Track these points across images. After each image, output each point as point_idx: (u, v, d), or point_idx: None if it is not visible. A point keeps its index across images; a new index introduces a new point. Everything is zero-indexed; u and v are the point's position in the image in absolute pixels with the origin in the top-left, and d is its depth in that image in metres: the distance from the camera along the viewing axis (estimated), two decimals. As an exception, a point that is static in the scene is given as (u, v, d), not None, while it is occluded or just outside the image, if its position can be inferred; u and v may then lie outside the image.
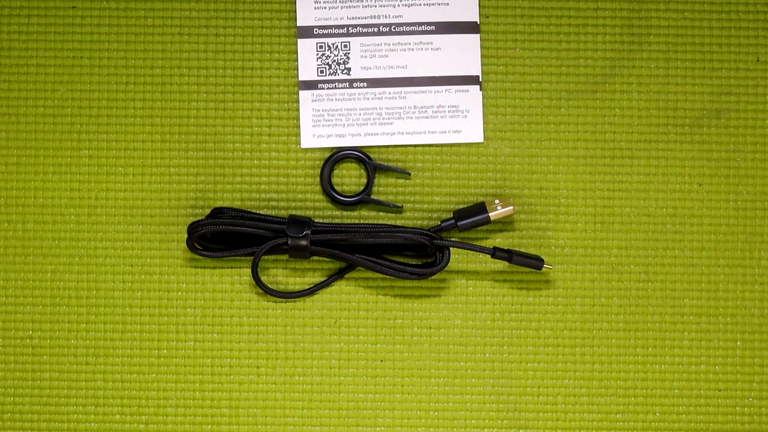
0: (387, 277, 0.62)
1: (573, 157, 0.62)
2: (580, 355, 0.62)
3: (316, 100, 0.62)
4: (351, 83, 0.62)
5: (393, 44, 0.63)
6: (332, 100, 0.62)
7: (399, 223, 0.62)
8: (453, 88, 0.62)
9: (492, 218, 0.60)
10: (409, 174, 0.63)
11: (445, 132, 0.62)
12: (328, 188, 0.62)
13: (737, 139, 0.62)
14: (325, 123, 0.62)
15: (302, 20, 0.63)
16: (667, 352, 0.62)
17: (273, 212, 0.63)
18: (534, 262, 0.59)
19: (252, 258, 0.60)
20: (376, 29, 0.63)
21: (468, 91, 0.62)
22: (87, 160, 0.63)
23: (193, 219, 0.62)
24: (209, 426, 0.62)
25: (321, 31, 0.63)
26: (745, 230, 0.62)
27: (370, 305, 0.62)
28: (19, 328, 0.62)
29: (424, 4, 0.62)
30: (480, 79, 0.62)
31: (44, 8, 0.63)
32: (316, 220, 0.62)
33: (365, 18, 0.63)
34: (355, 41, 0.63)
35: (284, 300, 0.62)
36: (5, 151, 0.63)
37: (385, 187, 0.63)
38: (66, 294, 0.62)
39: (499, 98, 0.63)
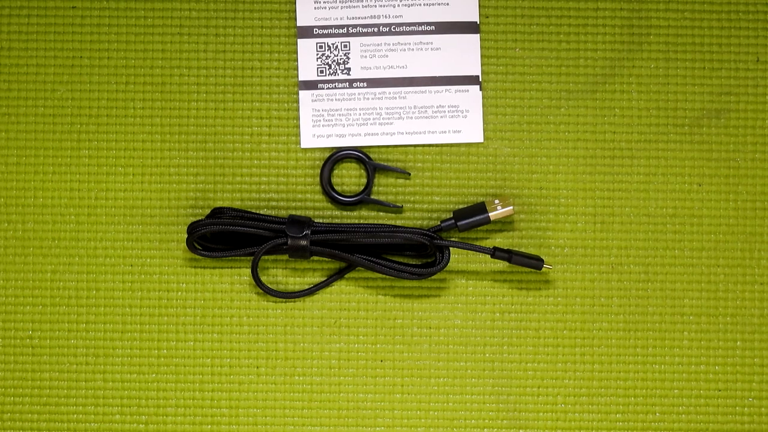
0: (387, 277, 0.62)
1: (573, 157, 0.62)
2: (580, 355, 0.62)
3: (316, 100, 0.62)
4: (351, 83, 0.62)
5: (393, 44, 0.63)
6: (332, 100, 0.62)
7: (399, 223, 0.62)
8: (453, 88, 0.62)
9: (492, 218, 0.60)
10: (409, 174, 0.63)
11: (445, 132, 0.62)
12: (328, 188, 0.62)
13: (737, 139, 0.62)
14: (325, 123, 0.62)
15: (302, 20, 0.63)
16: (667, 352, 0.62)
17: (273, 212, 0.63)
18: (534, 262, 0.59)
19: (252, 258, 0.60)
20: (376, 29, 0.63)
21: (468, 91, 0.62)
22: (87, 160, 0.63)
23: (193, 219, 0.62)
24: (209, 426, 0.62)
25: (321, 31, 0.63)
26: (745, 230, 0.62)
27: (370, 305, 0.62)
28: (19, 328, 0.62)
29: (424, 4, 0.62)
30: (480, 79, 0.62)
31: (44, 8, 0.63)
32: (316, 220, 0.62)
33: (365, 18, 0.63)
34: (355, 41, 0.63)
35: (284, 300, 0.62)
36: (5, 151, 0.63)
37: (385, 187, 0.63)
38: (66, 294, 0.62)
39: (499, 98, 0.63)
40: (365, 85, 0.62)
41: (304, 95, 0.63)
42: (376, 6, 0.63)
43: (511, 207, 0.60)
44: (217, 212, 0.60)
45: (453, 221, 0.60)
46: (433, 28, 0.62)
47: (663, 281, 0.62)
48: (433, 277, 0.62)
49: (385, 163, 0.63)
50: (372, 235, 0.58)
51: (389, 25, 0.63)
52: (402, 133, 0.62)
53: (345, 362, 0.62)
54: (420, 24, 0.63)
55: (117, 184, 0.62)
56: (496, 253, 0.59)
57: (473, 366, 0.62)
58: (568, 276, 0.62)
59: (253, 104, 0.63)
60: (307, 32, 0.63)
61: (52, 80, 0.63)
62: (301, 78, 0.63)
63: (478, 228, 0.62)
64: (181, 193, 0.62)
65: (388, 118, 0.62)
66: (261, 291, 0.62)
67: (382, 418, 0.62)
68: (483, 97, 0.63)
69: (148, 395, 0.62)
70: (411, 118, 0.62)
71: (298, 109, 0.63)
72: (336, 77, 0.62)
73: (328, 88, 0.62)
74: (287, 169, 0.63)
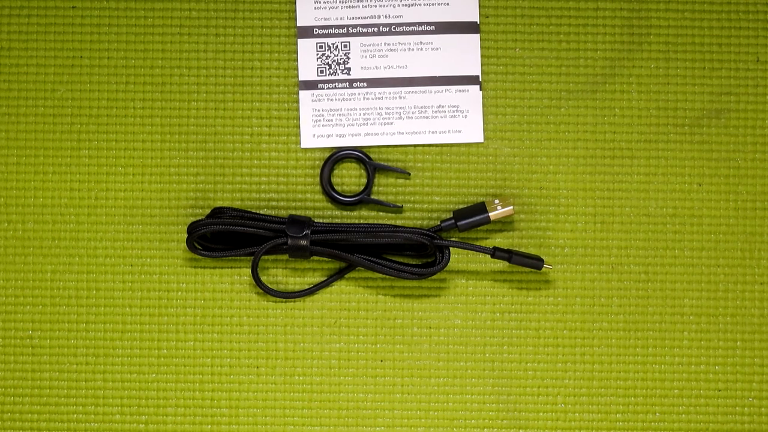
0: (387, 277, 0.62)
1: (573, 157, 0.62)
2: (580, 355, 0.62)
3: (316, 100, 0.62)
4: (351, 83, 0.62)
5: (393, 44, 0.63)
6: (332, 100, 0.62)
7: (399, 223, 0.62)
8: (453, 88, 0.62)
9: (492, 218, 0.60)
10: (409, 174, 0.63)
11: (445, 132, 0.62)
12: (328, 188, 0.62)
13: (737, 139, 0.62)
14: (325, 123, 0.62)
15: (302, 20, 0.63)
16: (667, 352, 0.62)
17: (273, 212, 0.63)
18: (534, 262, 0.59)
19: (252, 258, 0.60)
20: (376, 29, 0.63)
21: (468, 91, 0.62)
22: (87, 160, 0.63)
23: (193, 219, 0.62)
24: (209, 426, 0.62)
25: (321, 31, 0.63)
26: (745, 230, 0.62)
27: (370, 305, 0.62)
28: (19, 328, 0.62)
29: (424, 4, 0.62)
30: (480, 79, 0.62)
31: (44, 8, 0.63)
32: (316, 220, 0.62)
33: (365, 18, 0.63)
34: (355, 41, 0.63)
35: (284, 300, 0.62)
36: (5, 151, 0.63)
37: (385, 187, 0.63)
38: (66, 294, 0.62)
39: (499, 98, 0.63)
40: (365, 85, 0.62)
41: (304, 95, 0.63)
42: (376, 6, 0.63)
43: (511, 207, 0.60)
44: (217, 212, 0.60)
45: (453, 221, 0.60)
46: (433, 28, 0.62)
47: (663, 281, 0.62)
48: (433, 277, 0.62)
49: (385, 163, 0.63)
50: (372, 235, 0.58)
51: (389, 25, 0.63)
52: (402, 133, 0.62)
53: (345, 362, 0.62)
54: (420, 24, 0.63)
55: (117, 184, 0.62)
56: (496, 253, 0.59)
57: (473, 366, 0.62)
58: (568, 276, 0.62)
59: (253, 104, 0.63)
60: (307, 32, 0.63)
61: (52, 80, 0.63)
62: (301, 78, 0.63)
63: (478, 228, 0.62)
64: (181, 193, 0.63)
65: (388, 118, 0.62)
66: (261, 291, 0.62)
67: (382, 418, 0.62)
68: (483, 97, 0.63)
69: (148, 395, 0.62)
70: (411, 118, 0.62)
71: (298, 109, 0.63)
72: (336, 77, 0.62)
73: (328, 88, 0.62)
74: (287, 169, 0.63)
